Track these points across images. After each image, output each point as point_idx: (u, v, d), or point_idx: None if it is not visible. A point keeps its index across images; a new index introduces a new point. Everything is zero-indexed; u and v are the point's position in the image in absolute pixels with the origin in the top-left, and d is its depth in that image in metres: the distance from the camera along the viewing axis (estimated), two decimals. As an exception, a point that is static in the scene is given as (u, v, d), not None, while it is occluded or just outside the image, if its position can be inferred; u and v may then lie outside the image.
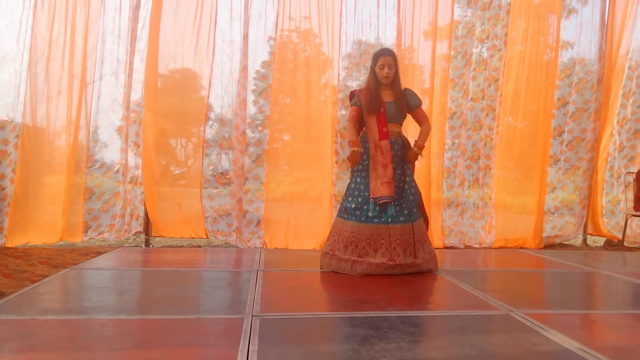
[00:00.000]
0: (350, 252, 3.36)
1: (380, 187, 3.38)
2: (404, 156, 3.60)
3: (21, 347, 1.81)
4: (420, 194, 3.67)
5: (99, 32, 4.42)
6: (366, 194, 3.46)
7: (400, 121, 3.65)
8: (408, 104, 3.64)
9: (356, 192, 3.51)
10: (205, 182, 4.61)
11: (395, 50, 4.76)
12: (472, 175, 5.09)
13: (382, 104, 3.54)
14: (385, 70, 3.52)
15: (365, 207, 3.44)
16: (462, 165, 5.01)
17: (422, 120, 3.72)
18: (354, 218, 3.43)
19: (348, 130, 3.64)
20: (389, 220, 3.39)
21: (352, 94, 3.72)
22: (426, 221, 3.70)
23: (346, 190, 3.65)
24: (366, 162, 3.53)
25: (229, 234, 4.59)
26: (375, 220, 3.39)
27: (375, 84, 3.58)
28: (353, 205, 3.47)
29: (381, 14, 4.82)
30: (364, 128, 3.61)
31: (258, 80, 4.70)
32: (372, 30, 4.80)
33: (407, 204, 3.48)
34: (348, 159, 3.60)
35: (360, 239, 3.37)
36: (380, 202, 3.38)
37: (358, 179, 3.55)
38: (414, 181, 3.63)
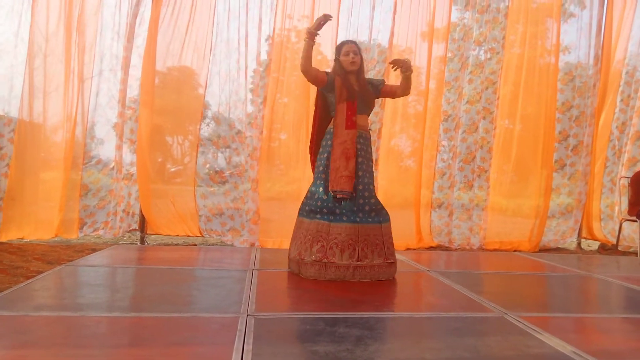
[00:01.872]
0: (348, 257, 3.11)
1: (339, 180, 3.17)
2: (369, 154, 3.38)
3: (15, 343, 1.81)
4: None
5: (98, 27, 4.41)
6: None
7: (367, 112, 3.44)
8: (374, 87, 3.42)
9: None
10: (200, 180, 4.61)
11: (389, 52, 4.78)
12: (465, 177, 5.11)
13: (355, 92, 3.30)
14: (351, 55, 3.28)
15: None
16: (455, 167, 5.03)
17: (394, 87, 3.48)
18: (344, 219, 3.18)
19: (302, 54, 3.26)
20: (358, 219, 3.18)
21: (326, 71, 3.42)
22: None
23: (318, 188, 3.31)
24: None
25: (224, 233, 4.59)
26: (358, 219, 3.17)
27: (343, 74, 3.32)
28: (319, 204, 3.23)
29: (377, 15, 4.84)
30: (333, 119, 3.33)
31: (255, 79, 4.71)
32: (367, 31, 4.81)
33: (372, 205, 3.27)
34: (312, 34, 3.18)
35: (358, 240, 3.16)
36: (339, 196, 3.16)
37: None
38: (372, 183, 3.36)
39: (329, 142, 3.30)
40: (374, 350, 1.86)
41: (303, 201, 3.37)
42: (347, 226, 3.16)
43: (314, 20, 3.39)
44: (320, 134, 3.45)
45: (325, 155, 3.30)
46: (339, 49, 3.40)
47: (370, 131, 3.52)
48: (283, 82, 4.75)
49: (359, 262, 3.11)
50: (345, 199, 3.19)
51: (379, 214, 3.28)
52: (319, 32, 3.19)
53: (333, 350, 1.84)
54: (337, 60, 3.39)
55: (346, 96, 3.27)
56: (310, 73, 3.28)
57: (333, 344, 1.91)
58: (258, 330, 2.05)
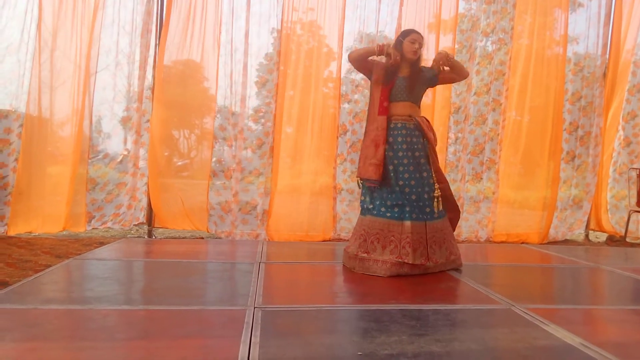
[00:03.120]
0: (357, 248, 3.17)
1: (367, 167, 3.15)
2: (416, 145, 3.22)
3: (24, 336, 1.82)
4: (445, 188, 3.30)
5: (104, 22, 4.42)
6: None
7: (411, 99, 3.26)
8: (426, 76, 3.33)
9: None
10: (206, 174, 4.61)
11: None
12: (473, 169, 5.08)
13: (393, 79, 3.25)
14: (416, 45, 3.23)
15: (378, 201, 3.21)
16: (464, 160, 5.01)
17: (448, 74, 3.40)
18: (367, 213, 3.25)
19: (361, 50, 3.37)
20: (405, 216, 3.12)
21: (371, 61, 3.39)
22: (454, 220, 3.42)
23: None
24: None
25: (230, 226, 4.60)
26: (388, 214, 3.14)
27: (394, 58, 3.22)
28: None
29: (384, 7, 4.80)
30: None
31: (261, 72, 4.69)
32: (374, 23, 4.78)
33: (419, 201, 3.16)
34: (388, 55, 3.20)
35: (370, 233, 3.17)
36: (367, 184, 3.20)
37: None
38: (432, 177, 3.23)
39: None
40: (380, 342, 1.86)
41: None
42: (368, 219, 3.22)
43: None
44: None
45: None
46: (406, 33, 3.31)
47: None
48: (289, 75, 4.73)
49: (365, 254, 3.12)
50: (375, 187, 3.20)
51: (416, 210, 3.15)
52: (386, 54, 3.21)
53: (340, 342, 1.84)
54: (399, 41, 3.29)
55: (382, 80, 3.25)
56: (359, 63, 3.36)
57: (340, 336, 1.91)
58: (265, 322, 2.06)
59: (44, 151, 4.36)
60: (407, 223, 3.10)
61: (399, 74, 3.26)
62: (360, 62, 3.32)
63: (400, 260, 3.03)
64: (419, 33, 3.31)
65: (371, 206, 3.23)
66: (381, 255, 3.08)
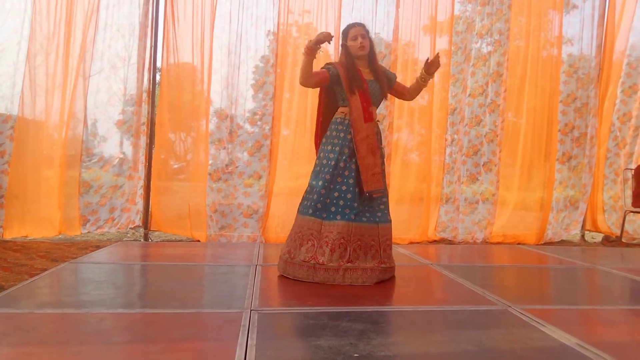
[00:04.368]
0: (338, 258, 2.89)
1: (372, 178, 2.97)
2: (381, 147, 3.17)
3: (20, 340, 1.81)
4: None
5: (99, 26, 4.41)
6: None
7: (379, 104, 3.22)
8: (388, 79, 3.23)
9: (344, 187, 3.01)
10: (203, 177, 4.61)
11: (394, 44, 4.76)
12: (467, 170, 5.09)
13: (364, 80, 3.07)
14: (359, 39, 3.03)
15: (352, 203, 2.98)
16: (459, 161, 5.02)
17: (405, 87, 3.32)
18: (338, 217, 2.94)
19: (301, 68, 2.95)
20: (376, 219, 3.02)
21: (326, 64, 3.13)
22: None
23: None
24: (345, 152, 3.02)
25: (227, 228, 4.59)
26: (364, 219, 2.98)
27: (351, 60, 3.07)
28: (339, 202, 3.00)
29: (380, 9, 4.81)
30: (342, 109, 3.10)
31: (257, 75, 4.69)
32: (371, 25, 4.79)
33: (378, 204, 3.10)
34: (315, 46, 2.85)
35: (350, 240, 2.93)
36: (374, 195, 3.01)
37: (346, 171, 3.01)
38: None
39: (344, 135, 3.03)
40: (377, 344, 1.86)
41: (303, 196, 3.15)
42: (341, 224, 2.92)
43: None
44: (325, 127, 3.20)
45: (338, 149, 3.01)
46: (345, 33, 3.12)
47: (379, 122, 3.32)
48: (285, 77, 4.73)
49: (349, 264, 2.88)
50: (380, 196, 3.06)
51: (376, 214, 3.05)
52: (320, 48, 2.90)
53: (336, 344, 1.84)
54: (344, 46, 3.10)
55: (357, 85, 3.02)
56: (311, 82, 3.01)
57: (336, 338, 1.91)
58: (262, 325, 2.05)
59: (39, 154, 4.34)
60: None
61: (365, 78, 3.08)
62: (310, 77, 2.98)
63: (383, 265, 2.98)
64: (358, 25, 3.11)
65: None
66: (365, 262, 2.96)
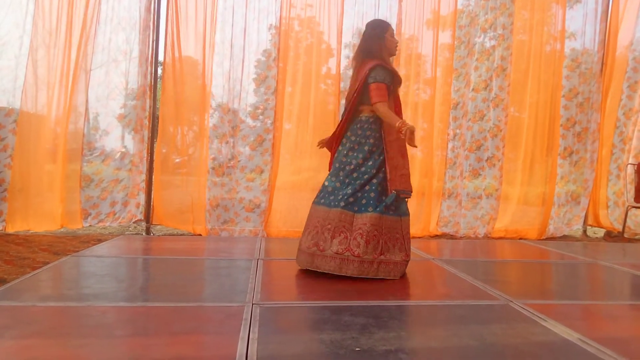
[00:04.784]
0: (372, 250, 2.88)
1: (400, 178, 2.94)
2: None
3: (22, 333, 1.82)
4: None
5: (100, 19, 4.40)
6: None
7: None
8: None
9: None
10: (204, 171, 4.61)
11: (397, 38, 4.74)
12: (469, 165, 5.08)
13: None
14: (396, 40, 3.05)
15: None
16: (462, 156, 5.01)
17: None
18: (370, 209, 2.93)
19: (388, 114, 2.88)
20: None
21: (377, 66, 2.96)
22: None
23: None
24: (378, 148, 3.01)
25: (229, 222, 4.60)
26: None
27: (387, 58, 3.05)
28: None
29: (383, 2, 4.79)
30: (369, 108, 3.04)
31: (259, 69, 4.68)
32: (373, 18, 4.77)
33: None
34: (408, 140, 2.75)
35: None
36: (402, 195, 2.95)
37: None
38: None
39: (370, 134, 3.01)
40: (379, 338, 1.86)
41: (326, 190, 3.10)
42: (374, 216, 2.88)
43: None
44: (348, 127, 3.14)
45: (367, 148, 3.00)
46: (385, 28, 3.06)
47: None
48: (287, 71, 4.72)
49: (382, 257, 2.87)
50: (408, 198, 3.02)
51: (400, 207, 3.01)
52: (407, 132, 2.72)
53: (338, 338, 1.84)
54: (383, 38, 3.03)
55: (398, 84, 3.05)
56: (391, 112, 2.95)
57: (338, 332, 1.91)
58: (263, 319, 2.06)
59: (41, 148, 4.34)
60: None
61: None
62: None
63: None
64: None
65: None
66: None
